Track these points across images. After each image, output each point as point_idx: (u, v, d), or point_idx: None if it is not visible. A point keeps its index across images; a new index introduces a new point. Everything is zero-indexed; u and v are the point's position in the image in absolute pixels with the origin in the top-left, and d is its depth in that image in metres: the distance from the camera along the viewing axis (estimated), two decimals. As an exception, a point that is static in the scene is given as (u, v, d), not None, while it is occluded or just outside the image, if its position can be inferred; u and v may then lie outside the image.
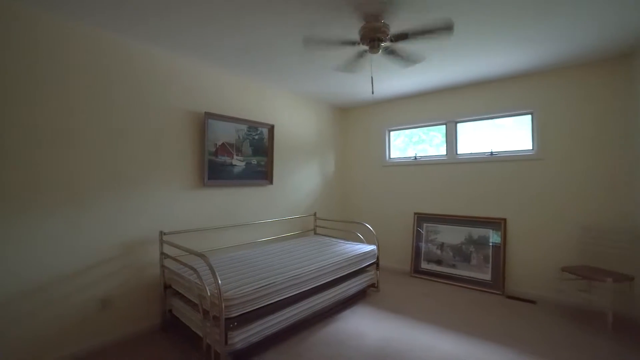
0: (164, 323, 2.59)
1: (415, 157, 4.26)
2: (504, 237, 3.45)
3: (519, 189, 3.41)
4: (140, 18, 2.17)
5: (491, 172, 3.60)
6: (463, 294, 3.39)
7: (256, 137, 3.46)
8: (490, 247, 3.53)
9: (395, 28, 2.23)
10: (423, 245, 4.04)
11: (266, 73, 3.26)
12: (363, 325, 2.67)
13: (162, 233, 2.60)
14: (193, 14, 2.11)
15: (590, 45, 2.63)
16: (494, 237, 3.52)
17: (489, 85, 3.60)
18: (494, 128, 3.66)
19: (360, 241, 3.74)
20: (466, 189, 3.78)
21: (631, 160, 2.80)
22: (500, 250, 3.45)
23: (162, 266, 2.58)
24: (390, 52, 2.34)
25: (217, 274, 1.96)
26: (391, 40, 2.20)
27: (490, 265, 3.50)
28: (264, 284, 2.19)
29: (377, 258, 3.41)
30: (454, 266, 3.74)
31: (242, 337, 2.01)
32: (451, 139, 3.92)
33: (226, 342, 1.94)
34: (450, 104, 3.90)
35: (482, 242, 3.60)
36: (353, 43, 2.25)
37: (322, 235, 4.10)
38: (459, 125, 3.91)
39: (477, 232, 3.65)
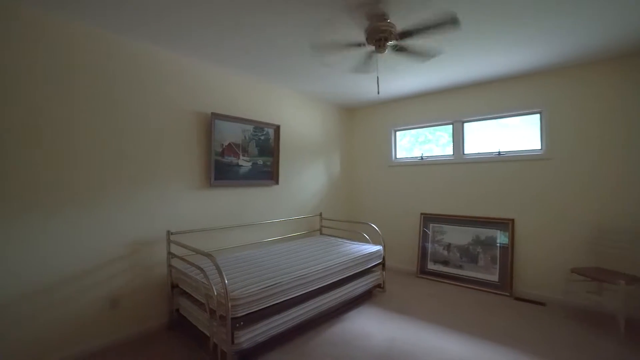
0: (172, 322, 2.62)
1: (421, 157, 4.23)
2: (512, 238, 3.41)
3: (527, 189, 3.36)
4: (145, 18, 2.17)
5: (499, 172, 3.56)
6: (470, 295, 3.36)
7: (262, 137, 3.47)
8: (498, 247, 3.49)
9: (400, 26, 2.21)
10: (429, 245, 4.01)
11: (272, 73, 3.27)
12: (369, 325, 2.66)
13: (169, 233, 2.63)
14: (199, 13, 2.12)
15: (599, 43, 2.58)
16: (501, 238, 3.48)
17: (497, 84, 3.56)
18: (502, 127, 3.61)
19: (366, 241, 3.73)
20: (473, 189, 3.75)
21: (643, 160, 2.75)
22: (508, 251, 3.41)
23: (170, 266, 2.61)
24: (400, 49, 2.31)
25: (223, 273, 1.98)
26: (397, 39, 2.19)
27: (497, 266, 3.46)
28: (270, 284, 2.20)
29: (383, 258, 3.40)
30: (460, 267, 3.71)
31: (248, 337, 2.02)
32: (458, 139, 3.89)
33: (233, 342, 1.95)
34: (457, 104, 3.87)
35: (489, 243, 3.56)
36: (359, 44, 2.24)
37: (328, 235, 4.10)
38: (465, 125, 3.87)
39: (484, 232, 3.61)
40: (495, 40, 2.53)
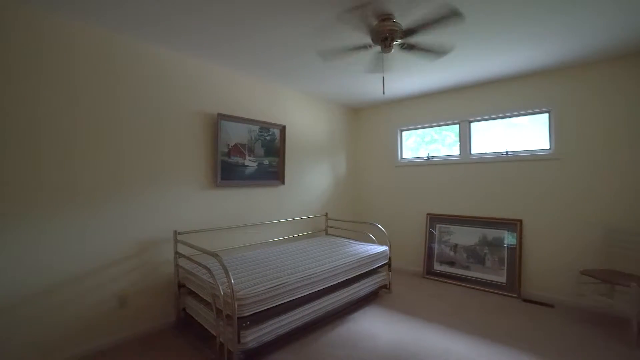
0: (179, 321, 2.64)
1: (427, 157, 4.20)
2: (520, 239, 3.36)
3: (535, 189, 3.32)
4: (150, 18, 2.17)
5: (506, 172, 3.51)
6: (477, 296, 3.33)
7: (268, 137, 3.48)
8: (506, 248, 3.45)
9: (404, 23, 2.18)
10: (436, 246, 3.98)
11: (278, 73, 3.28)
12: (375, 326, 2.65)
13: (176, 232, 2.65)
14: (205, 14, 2.13)
15: (611, 41, 2.54)
16: (509, 239, 3.44)
17: (505, 83, 3.52)
18: (509, 127, 3.57)
19: (372, 242, 3.72)
20: (480, 190, 3.71)
21: (656, 159, 2.69)
22: (515, 252, 3.37)
23: (177, 265, 2.63)
24: (409, 47, 2.29)
25: (230, 273, 1.98)
26: (402, 37, 2.17)
27: (505, 267, 3.42)
28: (276, 284, 2.20)
29: (389, 259, 3.38)
30: (467, 268, 3.68)
31: (254, 337, 2.03)
32: (465, 139, 3.85)
33: (239, 341, 1.96)
34: (464, 103, 3.84)
35: (497, 244, 3.52)
36: (366, 46, 2.23)
37: (334, 235, 4.09)
38: (472, 124, 3.83)
39: (491, 233, 3.57)
40: (503, 39, 2.50)
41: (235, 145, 3.16)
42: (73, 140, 2.20)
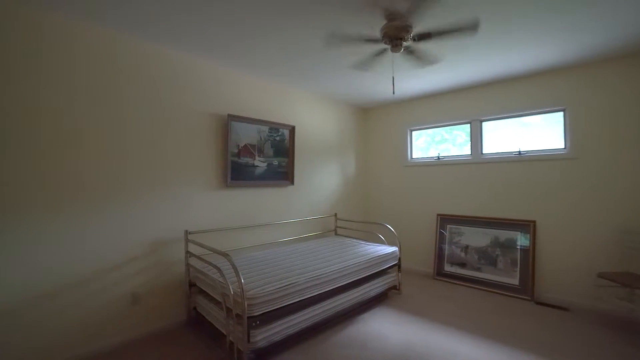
0: (189, 320, 2.68)
1: (438, 157, 4.16)
2: (533, 240, 3.29)
3: (550, 189, 3.24)
4: (157, 19, 2.17)
5: (519, 173, 3.44)
6: (488, 298, 3.27)
7: (277, 138, 3.50)
8: (519, 250, 3.38)
9: (419, 27, 2.18)
10: (446, 247, 3.93)
11: (287, 74, 3.29)
12: (384, 327, 2.63)
13: (187, 232, 2.69)
14: (214, 15, 2.14)
15: (628, 37, 2.46)
16: (522, 240, 3.37)
17: (517, 82, 3.45)
18: (522, 126, 3.50)
19: (382, 242, 3.70)
20: (492, 190, 3.64)
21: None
22: (529, 254, 3.30)
23: (187, 264, 2.66)
24: (410, 51, 2.30)
25: (240, 273, 2.00)
26: (414, 40, 2.16)
27: (518, 269, 3.35)
28: (285, 284, 2.21)
29: (399, 260, 3.35)
30: (479, 269, 3.62)
31: (264, 336, 2.04)
32: (476, 138, 3.79)
33: (249, 340, 1.98)
34: (475, 102, 3.78)
35: (509, 245, 3.45)
36: (375, 40, 2.22)
37: (343, 236, 4.08)
38: (484, 124, 3.77)
39: (503, 234, 3.51)
40: (523, 35, 2.43)
41: (245, 145, 3.18)
42: (74, 140, 2.18)
